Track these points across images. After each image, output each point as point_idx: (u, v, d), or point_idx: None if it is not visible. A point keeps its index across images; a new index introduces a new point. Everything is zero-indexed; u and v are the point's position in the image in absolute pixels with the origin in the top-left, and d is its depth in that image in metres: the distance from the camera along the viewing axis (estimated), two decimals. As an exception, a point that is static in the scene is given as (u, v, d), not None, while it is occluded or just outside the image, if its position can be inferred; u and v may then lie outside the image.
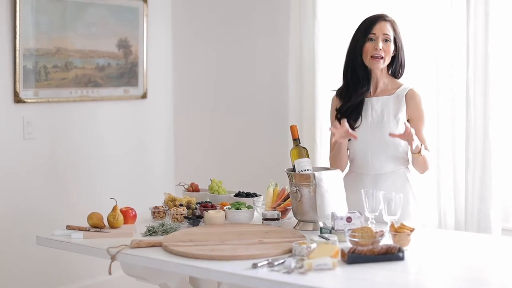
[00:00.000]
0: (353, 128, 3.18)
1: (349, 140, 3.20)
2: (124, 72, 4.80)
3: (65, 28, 4.41)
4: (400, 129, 3.11)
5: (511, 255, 2.65)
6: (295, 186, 2.98)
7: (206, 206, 3.20)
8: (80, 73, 4.52)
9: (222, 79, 5.06)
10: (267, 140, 4.85)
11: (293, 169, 3.06)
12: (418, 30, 3.97)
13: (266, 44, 4.82)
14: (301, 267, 2.36)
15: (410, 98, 3.17)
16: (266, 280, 2.29)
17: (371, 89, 3.24)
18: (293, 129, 3.14)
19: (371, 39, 3.14)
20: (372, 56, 3.15)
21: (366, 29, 3.15)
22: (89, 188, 4.63)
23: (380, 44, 3.12)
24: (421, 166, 3.16)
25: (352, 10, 4.19)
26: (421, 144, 3.05)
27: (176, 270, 2.55)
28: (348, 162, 3.29)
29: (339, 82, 4.08)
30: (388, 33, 3.14)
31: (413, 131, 2.98)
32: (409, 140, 2.99)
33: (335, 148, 3.22)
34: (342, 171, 3.20)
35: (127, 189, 4.81)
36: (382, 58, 3.14)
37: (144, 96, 4.97)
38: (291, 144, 4.43)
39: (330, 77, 4.27)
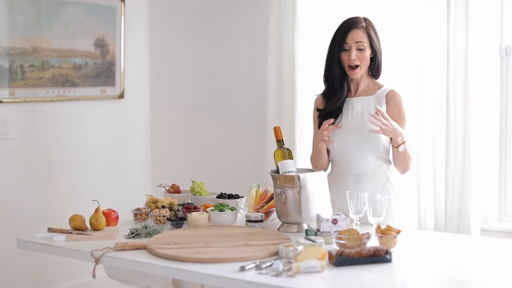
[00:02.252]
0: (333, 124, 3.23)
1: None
2: (101, 72, 4.75)
3: (41, 27, 4.35)
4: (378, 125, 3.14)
5: (494, 256, 2.66)
6: (280, 188, 2.97)
7: (189, 207, 3.18)
8: (57, 73, 4.46)
9: (200, 79, 5.04)
10: (246, 141, 4.84)
11: (277, 171, 3.05)
12: (399, 32, 3.99)
13: (245, 44, 4.80)
14: (289, 270, 2.36)
15: (391, 98, 3.19)
16: (255, 284, 2.27)
17: (352, 89, 3.27)
18: (276, 130, 3.13)
19: (345, 49, 3.16)
20: (348, 66, 3.17)
21: (340, 39, 3.16)
22: (66, 189, 4.58)
23: (354, 54, 3.14)
24: (402, 164, 3.17)
25: (332, 12, 4.19)
26: (404, 142, 3.08)
27: (162, 273, 2.52)
28: (330, 162, 3.30)
29: (318, 83, 4.09)
30: (362, 41, 3.14)
31: (394, 124, 3.02)
32: (387, 134, 3.04)
33: (314, 149, 3.23)
34: (325, 170, 3.23)
35: (104, 190, 4.76)
36: (358, 66, 3.16)
37: (121, 96, 4.92)
38: (270, 145, 4.46)
39: (310, 78, 4.27)
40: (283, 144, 3.11)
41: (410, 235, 2.95)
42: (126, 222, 3.18)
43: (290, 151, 3.09)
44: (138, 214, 3.20)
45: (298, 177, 2.92)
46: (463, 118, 3.77)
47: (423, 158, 3.92)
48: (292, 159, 3.07)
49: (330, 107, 3.25)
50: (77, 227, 2.95)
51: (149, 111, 5.18)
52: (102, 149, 4.83)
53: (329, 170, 3.32)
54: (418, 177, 3.93)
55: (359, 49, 3.14)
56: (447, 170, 3.83)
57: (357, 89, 3.26)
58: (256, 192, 3.30)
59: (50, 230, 2.94)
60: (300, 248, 2.52)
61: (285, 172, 3.01)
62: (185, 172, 4.99)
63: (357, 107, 3.21)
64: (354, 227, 2.75)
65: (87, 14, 4.61)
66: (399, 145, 3.07)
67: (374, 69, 3.24)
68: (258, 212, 3.13)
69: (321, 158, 3.24)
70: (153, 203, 3.27)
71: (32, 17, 4.29)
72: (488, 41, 3.80)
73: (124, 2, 4.83)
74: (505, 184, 3.97)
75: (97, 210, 2.98)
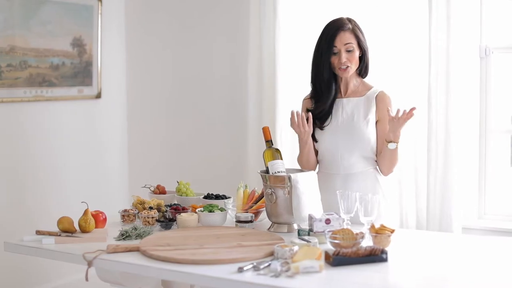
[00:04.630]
0: (321, 128, 3.22)
1: (316, 141, 3.23)
2: (78, 72, 4.69)
3: (19, 26, 4.28)
4: (371, 130, 3.16)
5: (485, 254, 2.70)
6: (270, 188, 2.97)
7: (177, 208, 3.15)
8: (34, 72, 4.40)
9: (179, 79, 5.00)
10: (226, 142, 4.82)
11: (267, 171, 3.05)
12: (381, 32, 4.00)
13: (225, 43, 4.78)
14: (287, 270, 2.36)
15: (380, 100, 3.19)
16: (255, 285, 2.27)
17: (342, 90, 3.26)
18: (265, 130, 3.13)
19: (334, 53, 3.15)
20: (338, 68, 3.17)
21: (328, 42, 3.15)
22: (43, 190, 4.51)
23: (344, 57, 3.13)
24: (387, 164, 3.16)
25: (313, 10, 4.19)
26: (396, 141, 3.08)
27: (159, 275, 2.51)
28: (318, 162, 3.31)
29: (299, 83, 4.10)
30: (350, 42, 3.14)
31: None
32: (400, 123, 3.02)
33: (305, 149, 3.23)
34: (313, 170, 3.24)
35: (81, 190, 4.72)
36: (348, 67, 3.16)
37: (98, 96, 4.87)
38: (251, 145, 4.47)
39: (291, 78, 4.27)
40: (272, 144, 3.11)
41: (398, 234, 2.97)
42: (112, 224, 3.14)
43: (279, 151, 3.08)
44: (126, 216, 3.16)
45: (289, 178, 2.92)
46: (445, 117, 3.81)
47: (405, 158, 3.94)
48: (282, 159, 3.07)
49: (317, 109, 3.24)
50: (66, 229, 2.91)
51: (126, 111, 5.14)
52: (80, 149, 4.77)
53: (316, 169, 3.32)
54: (400, 176, 3.96)
55: (348, 51, 3.14)
56: (429, 169, 3.87)
57: (346, 90, 3.25)
58: (243, 192, 3.29)
59: (38, 232, 2.89)
60: (296, 248, 2.52)
61: (275, 172, 3.01)
62: (162, 173, 4.96)
63: (347, 108, 3.21)
64: (345, 227, 2.77)
65: (64, 13, 4.55)
66: (391, 141, 3.07)
67: (363, 68, 3.24)
68: (247, 212, 3.12)
69: (309, 158, 3.24)
70: (140, 204, 3.24)
71: (9, 15, 4.22)
72: (469, 42, 3.84)
73: (101, 1, 4.78)
74: (484, 182, 4.02)
75: (86, 212, 2.94)
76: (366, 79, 3.29)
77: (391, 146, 3.09)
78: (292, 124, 3.15)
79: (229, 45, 4.75)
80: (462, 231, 3.88)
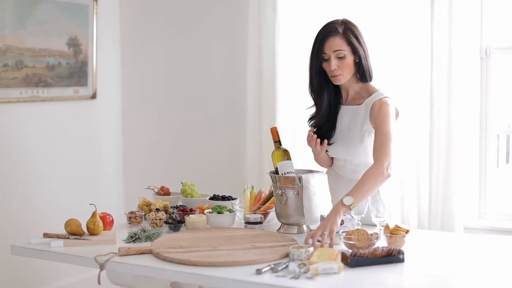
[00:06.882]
0: (325, 138, 3.11)
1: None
2: (74, 72, 4.64)
3: (15, 25, 4.21)
4: (367, 140, 3.01)
5: (497, 253, 2.70)
6: (280, 189, 2.95)
7: (185, 210, 3.12)
8: (30, 73, 4.33)
9: (175, 80, 4.95)
10: (222, 142, 4.78)
11: (276, 172, 3.02)
12: (383, 32, 3.99)
13: (223, 43, 4.73)
14: (306, 272, 2.34)
15: (373, 109, 2.95)
16: (276, 286, 2.24)
17: (344, 97, 3.12)
18: (273, 131, 3.08)
19: (325, 59, 2.97)
20: (330, 75, 3.01)
21: (317, 49, 2.98)
22: (39, 190, 4.45)
23: (334, 63, 2.93)
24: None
25: (313, 10, 4.16)
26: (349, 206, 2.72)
27: (174, 278, 2.47)
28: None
29: (299, 84, 4.08)
30: (340, 48, 2.92)
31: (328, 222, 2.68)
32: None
33: (319, 156, 3.17)
34: (330, 166, 3.21)
35: (76, 191, 4.68)
36: (340, 74, 2.97)
37: (93, 96, 4.81)
38: (250, 147, 4.44)
39: (291, 79, 4.25)
40: (281, 145, 3.07)
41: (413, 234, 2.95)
42: (117, 226, 3.09)
43: (288, 151, 3.06)
44: (133, 218, 3.12)
45: (299, 178, 2.90)
46: (447, 117, 3.81)
47: (407, 158, 3.94)
48: (290, 159, 3.04)
49: (314, 118, 3.14)
50: (74, 232, 2.86)
51: (121, 111, 5.09)
52: (75, 150, 4.72)
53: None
54: (402, 175, 3.95)
55: (339, 57, 2.94)
56: (431, 169, 3.87)
57: (347, 97, 3.10)
58: (250, 193, 3.26)
59: (46, 235, 2.84)
60: (311, 249, 2.51)
61: (285, 173, 2.99)
62: (158, 173, 4.92)
63: (345, 118, 3.07)
64: (356, 227, 2.75)
65: (60, 13, 4.49)
66: (350, 207, 2.72)
67: (361, 74, 3.01)
68: (256, 213, 3.10)
69: (323, 160, 3.19)
70: (147, 206, 3.20)
71: (4, 15, 4.15)
72: (470, 42, 3.84)
73: (96, 1, 4.72)
74: (485, 182, 4.03)
75: (94, 214, 2.90)
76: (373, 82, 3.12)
77: (352, 206, 2.73)
78: (307, 139, 3.10)
79: (228, 44, 4.70)
80: (464, 231, 3.89)
